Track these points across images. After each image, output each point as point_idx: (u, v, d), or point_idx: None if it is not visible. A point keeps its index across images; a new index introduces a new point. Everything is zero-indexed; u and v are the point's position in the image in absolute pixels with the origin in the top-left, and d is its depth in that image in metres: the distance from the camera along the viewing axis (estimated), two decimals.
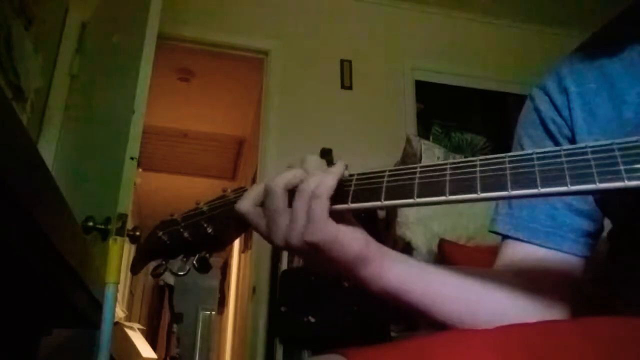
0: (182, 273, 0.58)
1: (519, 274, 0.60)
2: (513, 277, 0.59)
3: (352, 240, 0.51)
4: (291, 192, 0.51)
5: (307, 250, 0.50)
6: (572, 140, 0.63)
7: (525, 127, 0.69)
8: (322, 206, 0.49)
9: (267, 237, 0.53)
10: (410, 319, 1.53)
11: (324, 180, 0.49)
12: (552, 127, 0.65)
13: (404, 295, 0.54)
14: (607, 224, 0.65)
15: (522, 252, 0.62)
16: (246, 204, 0.53)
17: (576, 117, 0.63)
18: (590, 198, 0.62)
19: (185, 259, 0.58)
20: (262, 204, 0.52)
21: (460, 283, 0.56)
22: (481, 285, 0.56)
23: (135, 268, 0.64)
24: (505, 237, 0.65)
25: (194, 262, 0.57)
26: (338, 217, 0.50)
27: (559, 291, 0.58)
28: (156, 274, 0.60)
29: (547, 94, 0.67)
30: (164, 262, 0.60)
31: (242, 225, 0.55)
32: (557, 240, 0.61)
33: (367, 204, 0.48)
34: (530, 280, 0.58)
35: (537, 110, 0.67)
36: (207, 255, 0.57)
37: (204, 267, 0.57)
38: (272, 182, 0.51)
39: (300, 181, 0.51)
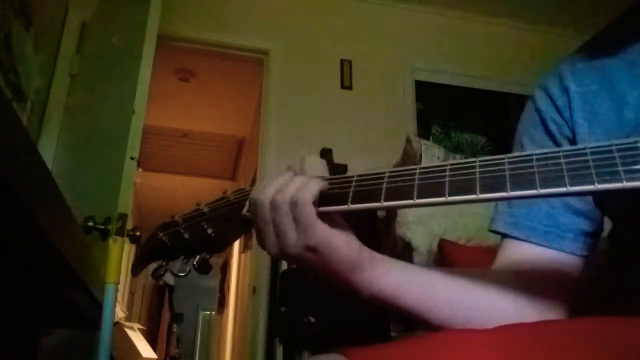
0: (182, 274, 0.58)
1: (517, 273, 0.60)
2: (511, 277, 0.59)
3: (344, 244, 0.50)
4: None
5: (304, 256, 0.50)
6: (573, 141, 0.63)
7: (526, 127, 0.69)
8: (306, 212, 0.48)
9: (262, 246, 0.53)
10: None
11: (306, 187, 0.49)
12: (552, 127, 0.65)
13: (396, 302, 0.54)
14: (607, 224, 0.65)
15: (520, 251, 0.62)
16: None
17: (577, 117, 0.63)
18: (590, 198, 0.62)
19: (185, 260, 0.58)
20: (252, 214, 0.52)
21: (456, 286, 0.56)
22: (478, 287, 0.56)
23: (135, 269, 0.64)
24: (504, 236, 0.65)
25: (195, 263, 0.57)
26: (330, 221, 0.50)
27: (558, 291, 0.58)
28: (157, 275, 0.60)
29: (548, 94, 0.67)
30: (164, 264, 0.60)
31: (242, 227, 0.55)
32: (556, 239, 0.61)
33: (367, 205, 0.48)
34: (528, 280, 0.58)
35: (537, 111, 0.67)
36: (208, 256, 0.57)
37: (204, 268, 0.57)
38: (259, 195, 0.51)
39: (278, 192, 0.50)
